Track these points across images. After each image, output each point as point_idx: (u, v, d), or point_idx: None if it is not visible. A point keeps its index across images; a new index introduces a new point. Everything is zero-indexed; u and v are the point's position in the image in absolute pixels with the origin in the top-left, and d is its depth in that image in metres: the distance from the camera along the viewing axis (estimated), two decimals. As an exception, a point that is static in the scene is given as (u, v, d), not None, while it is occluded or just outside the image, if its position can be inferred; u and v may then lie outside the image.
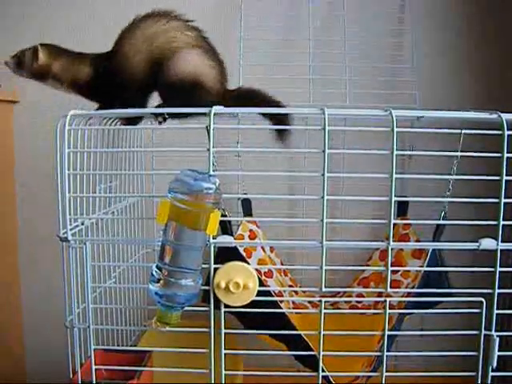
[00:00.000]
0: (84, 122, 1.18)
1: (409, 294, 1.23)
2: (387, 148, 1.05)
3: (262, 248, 1.53)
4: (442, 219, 1.23)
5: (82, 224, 1.21)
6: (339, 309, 1.50)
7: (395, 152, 1.05)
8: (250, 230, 1.55)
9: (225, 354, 1.14)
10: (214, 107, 1.10)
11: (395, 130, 1.05)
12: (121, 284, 1.44)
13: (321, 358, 1.12)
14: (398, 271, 1.50)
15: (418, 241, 1.48)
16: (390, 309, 1.38)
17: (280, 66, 1.59)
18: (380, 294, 1.51)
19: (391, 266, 1.51)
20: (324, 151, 1.08)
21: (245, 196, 1.57)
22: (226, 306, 1.12)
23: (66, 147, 1.11)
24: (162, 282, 1.03)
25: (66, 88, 1.32)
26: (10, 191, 1.82)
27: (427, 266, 1.20)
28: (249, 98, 1.28)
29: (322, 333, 1.11)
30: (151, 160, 1.64)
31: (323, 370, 1.13)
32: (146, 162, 1.63)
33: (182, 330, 1.12)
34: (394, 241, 1.53)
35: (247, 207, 1.61)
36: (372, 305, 1.50)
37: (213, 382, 1.14)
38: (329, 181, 1.61)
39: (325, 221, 1.10)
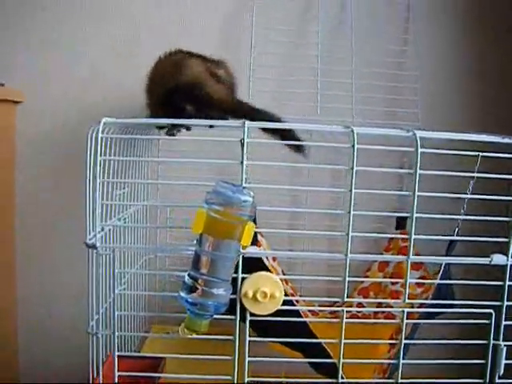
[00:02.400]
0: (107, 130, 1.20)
1: (422, 305, 1.28)
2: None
3: (266, 257, 1.56)
4: (456, 235, 1.29)
5: (102, 230, 1.23)
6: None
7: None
8: (256, 240, 1.59)
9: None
10: (247, 122, 1.14)
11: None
12: (140, 291, 1.45)
13: (340, 365, 1.17)
14: (397, 283, 1.58)
15: (417, 253, 1.55)
16: (392, 319, 1.47)
17: (288, 81, 1.63)
18: (380, 305, 1.58)
19: (391, 277, 1.60)
20: (352, 168, 1.12)
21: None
22: (252, 314, 1.16)
23: (99, 155, 1.13)
24: (198, 291, 1.05)
25: None
26: (9, 192, 1.81)
27: (440, 279, 1.25)
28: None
29: (343, 341, 1.16)
30: (157, 169, 1.66)
31: (342, 377, 1.18)
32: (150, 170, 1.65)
33: (207, 338, 1.14)
34: (394, 253, 1.64)
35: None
36: (372, 314, 1.56)
37: (236, 388, 1.18)
38: (331, 194, 1.70)
39: (350, 234, 1.14)
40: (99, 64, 1.77)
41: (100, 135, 1.13)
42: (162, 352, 1.35)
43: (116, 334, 1.18)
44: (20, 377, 1.87)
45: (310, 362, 1.24)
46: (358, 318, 1.56)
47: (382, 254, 1.64)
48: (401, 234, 1.62)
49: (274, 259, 1.64)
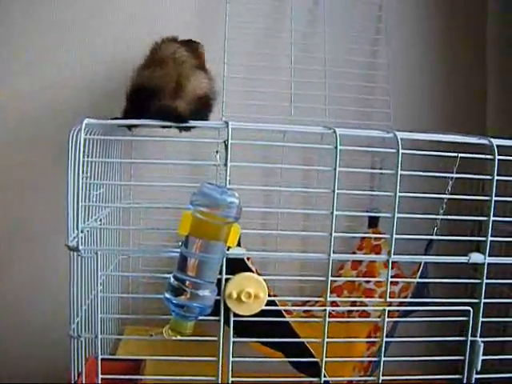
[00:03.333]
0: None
1: (402, 304, 1.30)
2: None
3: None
4: (435, 234, 1.32)
5: (82, 232, 1.21)
6: (314, 317, 1.55)
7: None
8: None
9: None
10: (231, 122, 1.14)
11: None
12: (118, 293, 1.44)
13: (323, 364, 1.18)
14: (370, 281, 1.60)
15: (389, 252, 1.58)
16: (366, 317, 1.49)
17: (261, 80, 1.63)
18: (354, 303, 1.60)
19: (364, 276, 1.63)
20: (335, 169, 1.14)
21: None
22: (235, 315, 1.16)
23: (81, 156, 1.11)
24: (186, 293, 1.05)
25: None
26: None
27: (419, 278, 1.28)
28: None
29: (326, 340, 1.18)
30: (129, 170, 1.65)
31: (324, 376, 1.19)
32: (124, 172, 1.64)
33: (192, 339, 1.14)
34: (366, 252, 1.66)
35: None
36: (346, 313, 1.58)
37: (220, 389, 1.18)
38: (303, 194, 1.71)
39: (333, 235, 1.16)
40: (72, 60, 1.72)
41: (83, 136, 1.11)
42: (140, 354, 1.33)
43: (99, 336, 1.16)
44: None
45: (292, 362, 1.25)
46: (333, 316, 1.57)
47: (354, 252, 1.66)
48: (373, 232, 1.64)
49: (248, 259, 1.65)
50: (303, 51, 1.67)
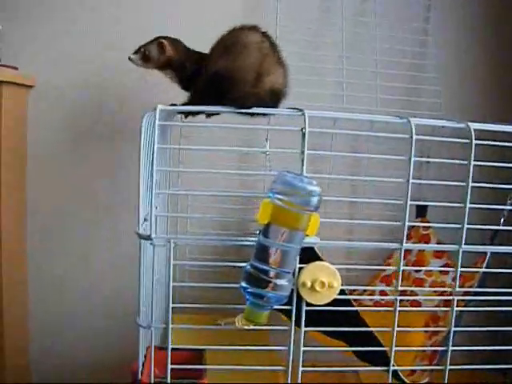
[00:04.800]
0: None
1: (466, 293, 1.30)
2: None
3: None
4: (502, 225, 1.31)
5: (146, 220, 1.20)
6: (362, 306, 1.55)
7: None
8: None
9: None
10: (307, 111, 1.13)
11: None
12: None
13: (393, 353, 1.18)
14: (421, 270, 1.60)
15: (438, 241, 1.59)
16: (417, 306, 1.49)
17: (313, 69, 1.62)
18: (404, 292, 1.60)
19: (413, 265, 1.63)
20: (410, 159, 1.13)
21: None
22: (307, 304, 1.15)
23: (156, 143, 1.10)
24: (271, 284, 1.04)
25: (174, 79, 1.42)
26: (20, 180, 1.75)
27: (486, 268, 1.28)
28: None
29: (396, 329, 1.17)
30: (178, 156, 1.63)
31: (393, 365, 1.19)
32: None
33: (266, 328, 1.13)
34: (415, 241, 1.66)
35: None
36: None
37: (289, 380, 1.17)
38: (350, 182, 1.71)
39: (406, 224, 1.15)
40: (111, 49, 1.73)
41: (157, 122, 1.10)
42: (195, 343, 1.32)
43: (170, 326, 1.15)
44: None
45: (358, 351, 1.25)
46: (382, 305, 1.57)
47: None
48: (421, 221, 1.64)
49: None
50: (354, 40, 1.66)
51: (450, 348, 1.20)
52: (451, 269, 1.50)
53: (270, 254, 1.05)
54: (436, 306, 1.41)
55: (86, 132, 1.74)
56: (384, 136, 1.19)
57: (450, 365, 1.20)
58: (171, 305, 1.15)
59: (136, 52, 1.41)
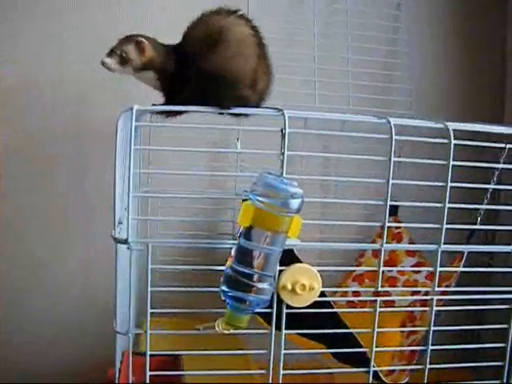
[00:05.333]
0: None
1: (444, 293, 1.30)
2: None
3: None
4: (479, 224, 1.32)
5: (120, 223, 1.16)
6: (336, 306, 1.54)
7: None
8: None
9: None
10: (286, 111, 1.11)
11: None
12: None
13: (373, 354, 1.18)
14: (392, 270, 1.61)
15: (410, 240, 1.59)
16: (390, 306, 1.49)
17: (282, 67, 1.60)
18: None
19: (386, 264, 1.63)
20: (390, 159, 1.13)
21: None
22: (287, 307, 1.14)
23: (133, 144, 1.06)
24: (254, 288, 1.02)
25: (155, 82, 1.27)
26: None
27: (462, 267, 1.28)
28: None
29: (376, 330, 1.17)
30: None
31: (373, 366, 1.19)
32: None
33: (246, 333, 1.11)
34: (387, 241, 1.66)
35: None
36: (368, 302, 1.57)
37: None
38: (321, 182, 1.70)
39: (386, 225, 1.15)
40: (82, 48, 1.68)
41: (134, 123, 1.06)
42: (172, 348, 1.29)
43: (148, 332, 1.12)
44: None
45: (337, 352, 1.24)
46: (355, 305, 1.56)
47: (374, 240, 1.66)
48: (393, 220, 1.64)
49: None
50: (325, 39, 1.65)
51: (430, 347, 1.20)
52: (429, 268, 1.51)
53: (254, 258, 1.03)
54: (410, 305, 1.41)
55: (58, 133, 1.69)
56: (361, 136, 1.18)
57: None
58: (149, 310, 1.12)
59: (110, 54, 1.22)
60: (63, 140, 1.71)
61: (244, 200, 1.63)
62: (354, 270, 1.66)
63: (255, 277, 1.02)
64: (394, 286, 1.56)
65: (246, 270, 1.02)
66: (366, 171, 1.24)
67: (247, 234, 1.03)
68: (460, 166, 1.15)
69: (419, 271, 1.55)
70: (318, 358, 1.38)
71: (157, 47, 1.25)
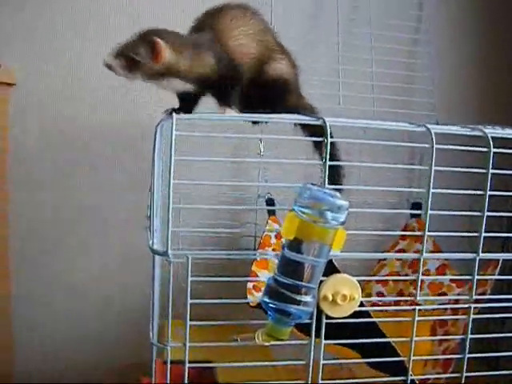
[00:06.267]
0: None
1: (479, 301, 1.29)
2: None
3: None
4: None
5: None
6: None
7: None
8: (276, 230, 1.57)
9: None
10: (327, 118, 1.09)
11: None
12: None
13: (411, 363, 1.17)
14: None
15: (434, 242, 1.58)
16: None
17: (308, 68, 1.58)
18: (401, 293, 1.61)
19: (410, 266, 1.63)
20: (431, 167, 1.11)
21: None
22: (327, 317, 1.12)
23: (174, 155, 1.03)
24: (303, 302, 1.01)
25: (188, 85, 1.10)
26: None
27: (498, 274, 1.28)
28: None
29: (414, 339, 1.16)
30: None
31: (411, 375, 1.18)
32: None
33: (288, 343, 1.09)
34: (410, 242, 1.66)
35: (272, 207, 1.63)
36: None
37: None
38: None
39: (426, 234, 1.13)
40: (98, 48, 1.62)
41: (174, 133, 1.03)
42: (203, 356, 1.27)
43: (188, 345, 1.10)
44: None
45: (374, 362, 1.23)
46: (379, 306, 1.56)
47: (397, 242, 1.66)
48: (417, 222, 1.64)
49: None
50: (349, 39, 1.63)
51: (467, 356, 1.20)
52: (467, 277, 1.51)
53: (302, 270, 1.01)
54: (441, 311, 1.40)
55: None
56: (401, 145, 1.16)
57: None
58: (188, 322, 1.09)
59: (117, 56, 1.04)
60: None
61: (268, 203, 1.65)
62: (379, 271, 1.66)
63: (302, 289, 1.01)
64: (421, 289, 1.55)
65: (292, 282, 1.01)
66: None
67: (294, 245, 1.01)
68: (499, 174, 1.13)
69: (443, 272, 1.54)
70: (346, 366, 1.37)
71: (184, 47, 1.07)
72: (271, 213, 1.61)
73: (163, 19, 1.64)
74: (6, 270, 1.70)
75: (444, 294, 1.54)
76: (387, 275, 1.64)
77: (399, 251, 1.65)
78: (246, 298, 1.41)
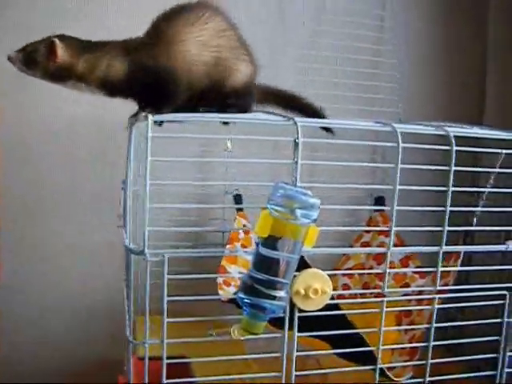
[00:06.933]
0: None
1: (442, 291, 1.34)
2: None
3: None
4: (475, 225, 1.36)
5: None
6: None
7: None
8: (244, 226, 1.60)
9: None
10: (298, 119, 1.12)
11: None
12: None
13: (380, 352, 1.22)
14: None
15: (398, 236, 1.63)
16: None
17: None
18: (367, 285, 1.65)
19: (374, 259, 1.68)
20: (397, 165, 1.15)
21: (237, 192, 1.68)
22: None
23: (149, 155, 1.05)
24: (278, 298, 1.05)
25: (92, 89, 1.14)
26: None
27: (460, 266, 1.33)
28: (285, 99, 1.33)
29: (383, 329, 1.21)
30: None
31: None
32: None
33: (262, 337, 1.12)
34: (373, 235, 1.71)
35: (239, 203, 1.65)
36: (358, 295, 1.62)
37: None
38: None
39: (393, 229, 1.18)
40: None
41: (150, 134, 1.05)
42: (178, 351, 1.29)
43: (165, 341, 1.12)
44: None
45: (344, 352, 1.27)
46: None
47: (361, 235, 1.70)
48: (380, 216, 1.69)
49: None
50: (315, 37, 1.66)
51: (431, 343, 1.25)
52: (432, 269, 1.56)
53: (277, 266, 1.04)
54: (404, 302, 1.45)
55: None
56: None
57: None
58: (166, 320, 1.12)
59: (20, 51, 1.07)
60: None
61: (235, 199, 1.68)
62: (344, 264, 1.70)
63: (277, 285, 1.04)
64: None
65: (267, 278, 1.04)
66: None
67: (267, 242, 1.05)
68: (460, 171, 1.18)
69: (407, 264, 1.60)
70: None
71: (84, 51, 1.11)
72: (239, 209, 1.65)
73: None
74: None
75: (407, 284, 1.60)
76: (353, 267, 1.69)
77: (364, 244, 1.69)
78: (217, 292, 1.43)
